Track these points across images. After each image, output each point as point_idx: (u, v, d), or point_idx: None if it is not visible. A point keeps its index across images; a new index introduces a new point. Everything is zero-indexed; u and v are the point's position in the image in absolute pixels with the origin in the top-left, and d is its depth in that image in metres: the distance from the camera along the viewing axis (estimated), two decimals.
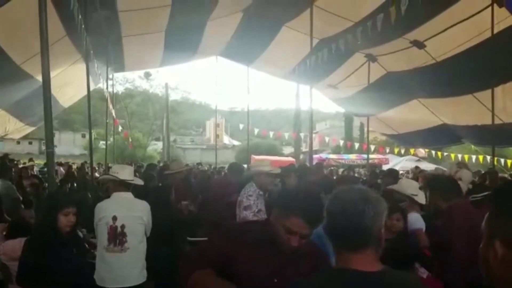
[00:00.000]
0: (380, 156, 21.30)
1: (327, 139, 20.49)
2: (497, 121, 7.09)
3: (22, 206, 5.44)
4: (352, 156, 22.45)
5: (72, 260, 2.79)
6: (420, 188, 3.74)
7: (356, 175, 11.18)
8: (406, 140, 14.05)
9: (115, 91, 15.89)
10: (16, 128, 11.76)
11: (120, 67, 13.42)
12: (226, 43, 11.83)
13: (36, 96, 7.74)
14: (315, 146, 21.03)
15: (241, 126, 18.20)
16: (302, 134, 20.09)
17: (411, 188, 3.54)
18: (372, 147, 16.77)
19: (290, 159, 20.81)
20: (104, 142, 18.60)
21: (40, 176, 9.65)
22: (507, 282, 0.90)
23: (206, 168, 14.98)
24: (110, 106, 12.01)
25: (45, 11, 3.72)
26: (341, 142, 23.69)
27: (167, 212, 4.11)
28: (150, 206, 3.51)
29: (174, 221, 4.16)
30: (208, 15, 9.08)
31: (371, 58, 9.49)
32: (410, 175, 10.97)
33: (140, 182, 3.75)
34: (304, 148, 27.98)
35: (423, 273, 2.96)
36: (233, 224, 3.51)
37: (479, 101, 8.36)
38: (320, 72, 9.81)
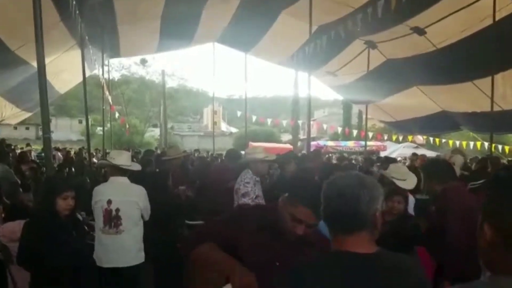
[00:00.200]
0: (378, 143, 21.34)
1: (325, 126, 20.43)
2: (496, 108, 7.09)
3: (21, 190, 5.45)
4: (350, 143, 22.49)
5: (72, 243, 2.81)
6: (416, 171, 3.76)
7: (353, 162, 11.21)
8: (404, 127, 14.07)
9: (111, 77, 15.78)
10: (12, 113, 11.70)
11: (116, 53, 13.28)
12: (223, 29, 11.70)
13: (32, 82, 7.68)
14: (313, 133, 20.98)
15: (239, 113, 18.16)
16: (300, 121, 20.04)
17: (396, 172, 3.57)
18: (370, 134, 16.81)
19: (288, 146, 20.81)
20: (101, 128, 18.55)
21: (38, 161, 9.64)
22: (495, 262, 0.95)
23: (205, 155, 14.99)
24: (106, 93, 11.93)
25: None
26: (339, 129, 23.69)
27: (165, 197, 4.13)
28: (148, 191, 3.55)
29: (172, 206, 4.18)
30: (205, 1, 8.95)
31: (371, 45, 9.41)
32: (408, 162, 11.03)
33: (137, 167, 3.78)
34: (302, 135, 27.98)
35: None
36: (232, 210, 3.52)
37: (478, 88, 8.35)
38: (319, 59, 9.73)
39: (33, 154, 13.17)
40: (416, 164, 7.65)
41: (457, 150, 7.08)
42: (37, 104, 8.62)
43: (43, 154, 6.97)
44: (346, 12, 7.80)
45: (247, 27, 10.66)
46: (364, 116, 16.03)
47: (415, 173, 3.70)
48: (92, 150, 10.84)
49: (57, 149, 14.90)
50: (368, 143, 17.48)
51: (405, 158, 14.59)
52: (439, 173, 2.90)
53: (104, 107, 12.05)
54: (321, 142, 23.03)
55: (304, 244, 1.62)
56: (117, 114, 16.22)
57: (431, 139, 15.20)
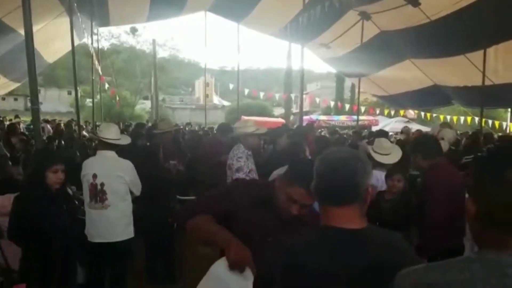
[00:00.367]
0: (370, 118, 21.39)
1: (317, 100, 20.34)
2: (487, 83, 7.10)
3: (10, 163, 5.37)
4: (342, 118, 22.50)
5: (62, 216, 2.80)
6: (404, 147, 3.80)
7: (345, 136, 11.26)
8: (397, 101, 14.09)
9: (100, 46, 15.33)
10: (0, 84, 11.41)
11: (105, 22, 12.88)
12: None
13: (19, 51, 7.44)
14: (306, 107, 20.93)
15: (231, 86, 17.93)
16: (292, 95, 19.91)
17: (379, 147, 3.64)
18: (363, 109, 16.79)
19: (280, 120, 20.75)
20: (90, 100, 18.22)
21: (26, 133, 9.50)
22: (481, 237, 0.98)
23: (196, 128, 14.88)
24: (96, 63, 11.64)
25: None
26: (332, 103, 23.63)
27: (155, 171, 4.10)
28: (138, 165, 3.51)
29: (163, 180, 4.16)
30: None
31: (365, 16, 9.25)
32: (400, 136, 11.10)
33: (127, 140, 3.72)
34: (295, 109, 27.88)
35: None
36: (227, 184, 3.53)
37: (470, 62, 8.33)
38: (312, 30, 9.56)
39: (22, 126, 12.95)
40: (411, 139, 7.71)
41: (445, 124, 7.14)
42: (24, 74, 8.38)
43: (32, 126, 6.84)
44: None
45: None
46: (356, 90, 15.96)
47: (403, 149, 3.74)
48: (81, 123, 10.69)
49: (46, 121, 14.67)
50: (360, 117, 17.49)
51: (397, 133, 14.68)
52: (426, 150, 2.90)
53: (93, 78, 11.81)
54: (314, 117, 23.00)
55: (298, 223, 1.62)
56: (106, 85, 15.88)
57: (422, 113, 15.28)
